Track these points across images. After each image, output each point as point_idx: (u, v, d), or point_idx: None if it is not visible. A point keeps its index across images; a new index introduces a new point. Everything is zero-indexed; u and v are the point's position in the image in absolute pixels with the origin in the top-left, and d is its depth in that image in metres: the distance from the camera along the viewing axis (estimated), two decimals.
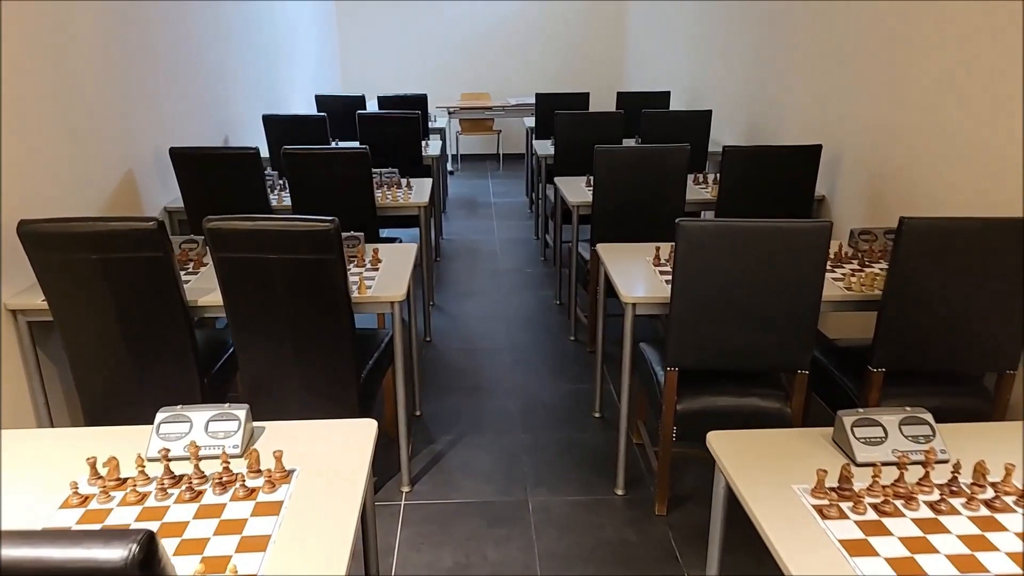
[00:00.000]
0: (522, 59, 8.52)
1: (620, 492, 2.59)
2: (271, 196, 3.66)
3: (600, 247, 2.86)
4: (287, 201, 3.54)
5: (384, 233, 5.66)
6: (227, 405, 1.52)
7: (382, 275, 2.55)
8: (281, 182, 3.83)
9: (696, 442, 2.43)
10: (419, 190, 3.81)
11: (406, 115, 4.58)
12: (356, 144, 5.06)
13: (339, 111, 5.78)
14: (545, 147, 5.18)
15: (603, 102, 8.03)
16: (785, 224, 2.11)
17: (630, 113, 5.79)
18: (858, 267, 2.61)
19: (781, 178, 3.40)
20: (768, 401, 2.33)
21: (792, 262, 2.14)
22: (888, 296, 2.19)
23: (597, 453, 2.84)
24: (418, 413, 3.11)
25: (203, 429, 1.49)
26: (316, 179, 3.35)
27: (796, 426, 2.31)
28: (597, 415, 3.10)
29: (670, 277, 2.48)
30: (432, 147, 5.11)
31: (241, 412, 1.51)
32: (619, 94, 5.92)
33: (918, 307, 2.18)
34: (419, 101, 5.78)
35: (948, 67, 2.67)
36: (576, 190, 3.81)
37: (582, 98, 5.89)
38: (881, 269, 2.59)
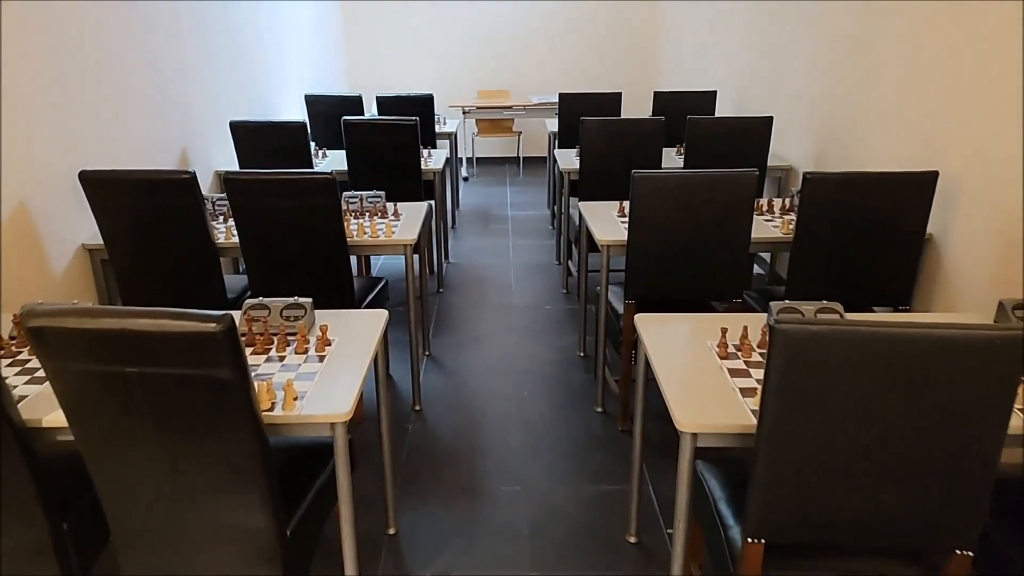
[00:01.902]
0: (545, 53, 7.69)
1: None
2: (218, 228, 2.91)
3: (641, 321, 2.05)
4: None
5: (377, 265, 4.87)
6: None
7: (326, 372, 1.77)
8: None
9: None
10: (409, 220, 3.03)
11: (401, 122, 3.80)
12: (338, 160, 4.31)
13: (332, 114, 5.02)
14: (569, 158, 4.37)
15: (637, 103, 7.21)
16: (955, 333, 1.29)
17: (670, 117, 4.97)
18: None
19: (879, 213, 2.56)
20: None
21: (962, 388, 1.32)
22: None
23: None
24: (391, 531, 2.33)
25: None
26: (268, 212, 2.59)
27: None
28: (633, 539, 2.30)
29: (749, 383, 1.68)
30: (435, 159, 4.32)
31: None
32: (656, 94, 5.09)
33: None
34: (424, 102, 5.00)
35: None
36: (606, 221, 3.00)
37: (613, 99, 5.07)
38: None
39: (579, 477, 2.61)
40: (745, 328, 1.88)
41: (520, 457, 2.73)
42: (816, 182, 2.53)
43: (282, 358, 1.83)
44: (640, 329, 2.02)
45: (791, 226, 2.87)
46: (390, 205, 3.19)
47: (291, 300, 1.99)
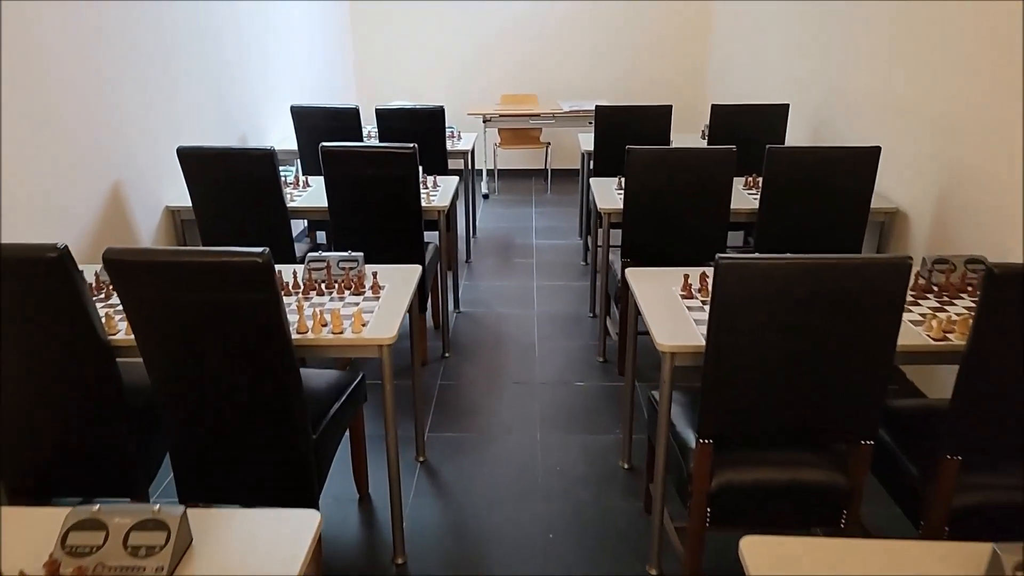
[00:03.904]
0: (578, 54, 6.79)
1: None
2: (116, 313, 2.08)
3: (751, 551, 1.19)
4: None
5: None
6: None
7: None
8: None
9: None
10: (392, 298, 2.18)
11: (395, 150, 2.96)
12: (323, 191, 3.44)
13: (323, 128, 4.19)
14: (608, 193, 3.49)
15: (687, 116, 6.31)
16: None
17: (733, 138, 4.08)
18: None
19: None
20: None
21: None
22: None
23: None
24: None
25: None
26: (172, 308, 1.74)
27: None
28: None
29: None
30: (442, 192, 3.47)
31: None
32: (714, 108, 4.17)
33: None
34: (433, 116, 4.15)
35: None
36: (667, 304, 2.12)
37: (661, 114, 4.16)
38: None
39: None
40: None
41: None
42: (1008, 280, 1.62)
43: None
44: (746, 557, 1.16)
45: (942, 325, 1.97)
46: (370, 271, 2.35)
47: (153, 514, 1.15)
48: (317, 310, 2.04)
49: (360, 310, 2.04)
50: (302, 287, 2.24)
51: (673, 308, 2.12)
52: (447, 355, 3.49)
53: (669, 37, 6.70)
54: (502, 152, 6.75)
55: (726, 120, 4.15)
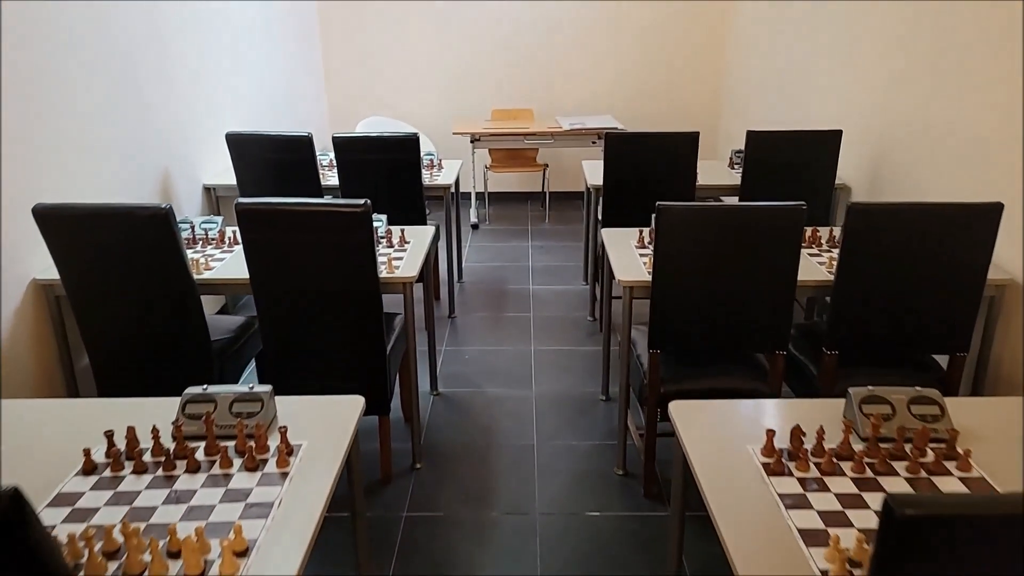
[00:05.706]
0: (581, 64, 5.97)
1: None
2: None
3: None
4: None
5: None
6: None
7: None
8: None
9: None
10: (303, 484, 1.35)
11: (339, 210, 2.15)
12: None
13: (267, 160, 3.40)
14: (626, 254, 2.67)
15: (705, 137, 5.62)
16: None
17: (776, 173, 3.35)
18: None
19: None
20: None
21: None
22: None
23: None
24: None
25: None
26: None
27: None
28: None
29: None
30: (409, 253, 2.65)
31: None
32: (751, 136, 3.38)
33: None
34: (404, 145, 3.35)
35: None
36: (746, 493, 1.31)
37: (685, 143, 3.36)
38: None
39: None
40: None
41: None
42: None
43: None
44: None
45: None
46: (280, 418, 1.54)
47: None
48: (166, 520, 1.21)
49: (239, 528, 1.22)
50: (166, 456, 1.42)
51: (757, 495, 1.31)
52: (418, 466, 2.68)
53: (681, 45, 5.90)
54: (494, 175, 5.93)
55: (765, 149, 3.37)
